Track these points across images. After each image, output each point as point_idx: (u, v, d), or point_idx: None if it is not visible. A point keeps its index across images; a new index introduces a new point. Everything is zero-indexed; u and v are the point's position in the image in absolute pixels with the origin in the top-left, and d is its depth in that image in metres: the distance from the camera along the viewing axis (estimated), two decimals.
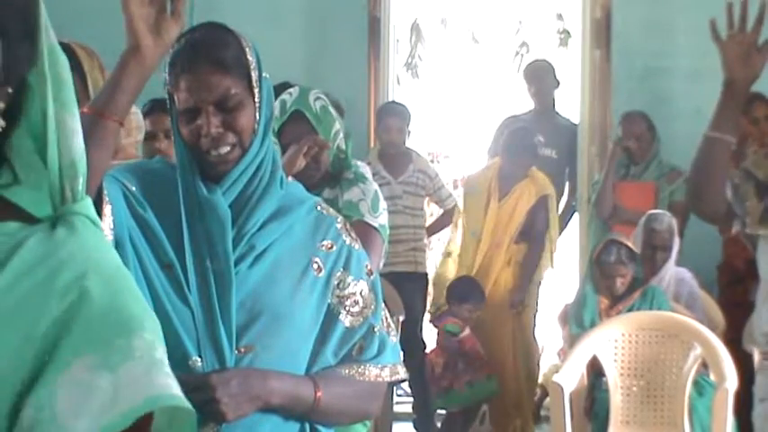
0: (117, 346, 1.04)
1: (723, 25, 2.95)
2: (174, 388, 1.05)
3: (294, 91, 3.21)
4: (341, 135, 3.22)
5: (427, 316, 6.19)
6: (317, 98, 3.16)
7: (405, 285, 5.75)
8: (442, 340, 5.77)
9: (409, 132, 6.18)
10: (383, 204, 3.20)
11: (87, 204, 1.13)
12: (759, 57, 2.98)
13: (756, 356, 3.24)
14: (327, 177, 3.19)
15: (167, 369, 1.06)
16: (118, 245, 1.86)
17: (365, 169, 4.59)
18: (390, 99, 6.58)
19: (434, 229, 6.54)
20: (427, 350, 6.16)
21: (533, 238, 5.86)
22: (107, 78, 2.43)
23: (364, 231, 2.97)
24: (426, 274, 6.21)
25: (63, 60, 1.13)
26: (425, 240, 6.36)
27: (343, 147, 3.22)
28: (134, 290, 1.10)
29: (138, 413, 1.01)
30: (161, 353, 1.07)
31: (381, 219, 3.16)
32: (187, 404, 1.06)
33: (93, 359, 1.02)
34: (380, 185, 5.72)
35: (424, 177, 6.05)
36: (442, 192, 6.15)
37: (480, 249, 5.87)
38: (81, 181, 1.12)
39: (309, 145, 3.03)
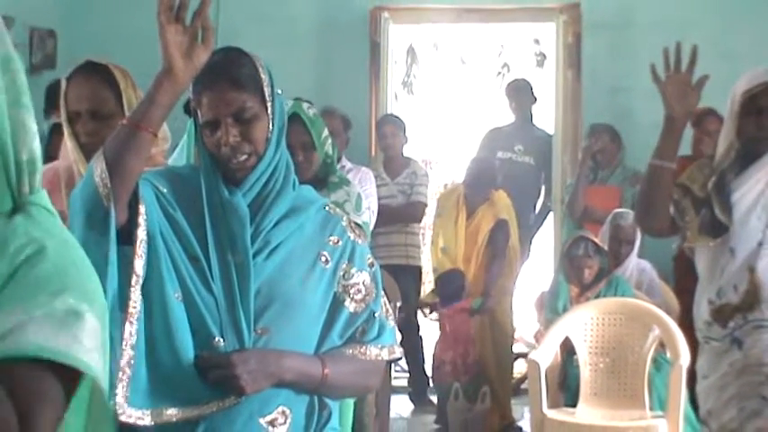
0: (39, 302, 1.01)
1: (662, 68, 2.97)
2: (74, 350, 1.02)
3: (289, 101, 3.24)
4: (329, 141, 3.22)
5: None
6: (309, 107, 3.21)
7: (399, 276, 5.74)
8: (449, 327, 5.56)
9: (407, 139, 6.16)
10: (365, 204, 3.21)
11: (42, 196, 1.11)
12: (693, 94, 2.99)
13: (699, 340, 3.24)
14: (316, 180, 3.18)
15: (77, 332, 1.03)
16: (150, 239, 1.86)
17: (368, 174, 4.59)
18: (388, 113, 6.58)
19: (393, 215, 5.85)
20: (421, 332, 6.16)
21: (493, 257, 5.64)
22: (143, 95, 2.42)
23: None
24: (419, 267, 6.19)
25: (19, 67, 1.10)
26: (419, 236, 6.33)
27: (330, 153, 3.22)
28: (83, 261, 1.08)
29: (15, 354, 0.98)
30: (81, 318, 1.03)
31: (364, 216, 3.17)
32: (83, 366, 1.02)
33: (20, 310, 1.00)
34: (380, 186, 5.75)
35: (413, 176, 6.03)
36: (418, 188, 6.01)
37: (455, 263, 5.66)
38: (38, 176, 1.10)
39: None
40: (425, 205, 6.09)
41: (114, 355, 1.79)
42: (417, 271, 6.13)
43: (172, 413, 1.84)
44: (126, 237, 1.82)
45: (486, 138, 6.50)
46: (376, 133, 6.25)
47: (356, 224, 3.04)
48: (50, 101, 5.27)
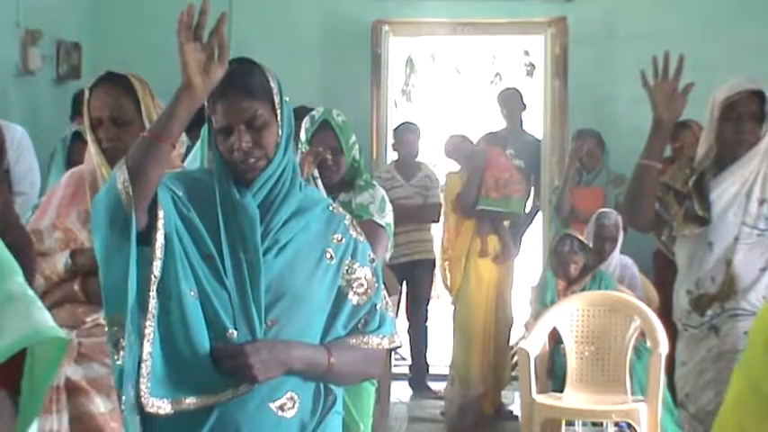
0: None
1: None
2: (50, 321, 1.01)
3: (320, 108, 3.24)
4: (356, 146, 3.21)
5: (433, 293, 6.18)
6: (339, 114, 3.21)
7: (417, 270, 5.83)
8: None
9: (420, 146, 6.24)
10: (389, 207, 3.19)
11: None
12: (680, 100, 3.00)
13: (678, 327, 3.26)
14: (344, 183, 3.18)
15: (40, 304, 1.02)
16: (167, 240, 1.86)
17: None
18: (389, 120, 6.61)
19: (413, 215, 5.93)
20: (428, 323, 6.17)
21: None
22: (162, 105, 2.42)
23: (373, 228, 2.96)
24: (434, 260, 6.22)
25: None
26: (431, 233, 6.34)
27: (357, 157, 3.22)
28: (2, 246, 1.06)
29: (24, 344, 0.97)
30: (32, 292, 1.02)
31: (387, 218, 3.15)
32: (62, 333, 1.01)
33: None
34: (395, 187, 5.82)
35: (427, 180, 6.11)
36: (434, 191, 6.11)
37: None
38: None
39: (314, 154, 3.06)
40: (441, 206, 6.11)
41: (132, 350, 1.79)
42: (432, 264, 6.19)
43: (190, 401, 1.84)
44: (144, 238, 1.82)
45: (479, 142, 6.48)
46: (393, 139, 6.29)
47: (375, 221, 3.06)
48: (75, 108, 5.28)
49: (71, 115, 5.39)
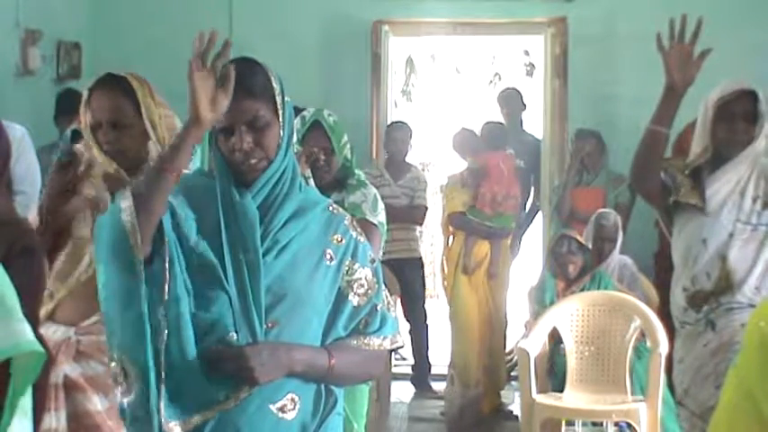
0: None
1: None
2: (29, 333, 1.01)
3: (311, 109, 3.23)
4: (348, 146, 3.21)
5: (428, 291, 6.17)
6: (330, 114, 3.20)
7: (405, 268, 5.80)
8: (504, 165, 5.73)
9: (411, 146, 6.20)
10: (381, 205, 3.18)
11: None
12: (695, 65, 2.97)
13: (675, 325, 3.26)
14: (336, 183, 3.18)
15: (20, 315, 1.01)
16: (170, 263, 1.85)
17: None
18: (389, 119, 6.60)
19: (398, 215, 5.82)
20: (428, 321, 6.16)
21: None
22: (165, 105, 2.42)
23: (365, 227, 2.95)
24: (421, 258, 6.21)
25: None
26: (417, 232, 6.34)
27: (349, 157, 3.21)
28: None
29: (3, 356, 0.96)
30: (12, 301, 1.01)
31: (380, 217, 3.15)
32: (39, 346, 1.01)
33: None
34: (382, 186, 5.78)
35: (415, 182, 6.07)
36: (421, 192, 6.08)
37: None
38: None
39: (307, 154, 3.07)
40: (427, 208, 6.12)
41: (150, 372, 1.79)
42: (420, 262, 6.18)
43: (197, 419, 1.83)
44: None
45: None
46: (384, 137, 6.27)
47: (368, 220, 3.06)
48: (59, 108, 5.25)
49: (55, 116, 5.33)
